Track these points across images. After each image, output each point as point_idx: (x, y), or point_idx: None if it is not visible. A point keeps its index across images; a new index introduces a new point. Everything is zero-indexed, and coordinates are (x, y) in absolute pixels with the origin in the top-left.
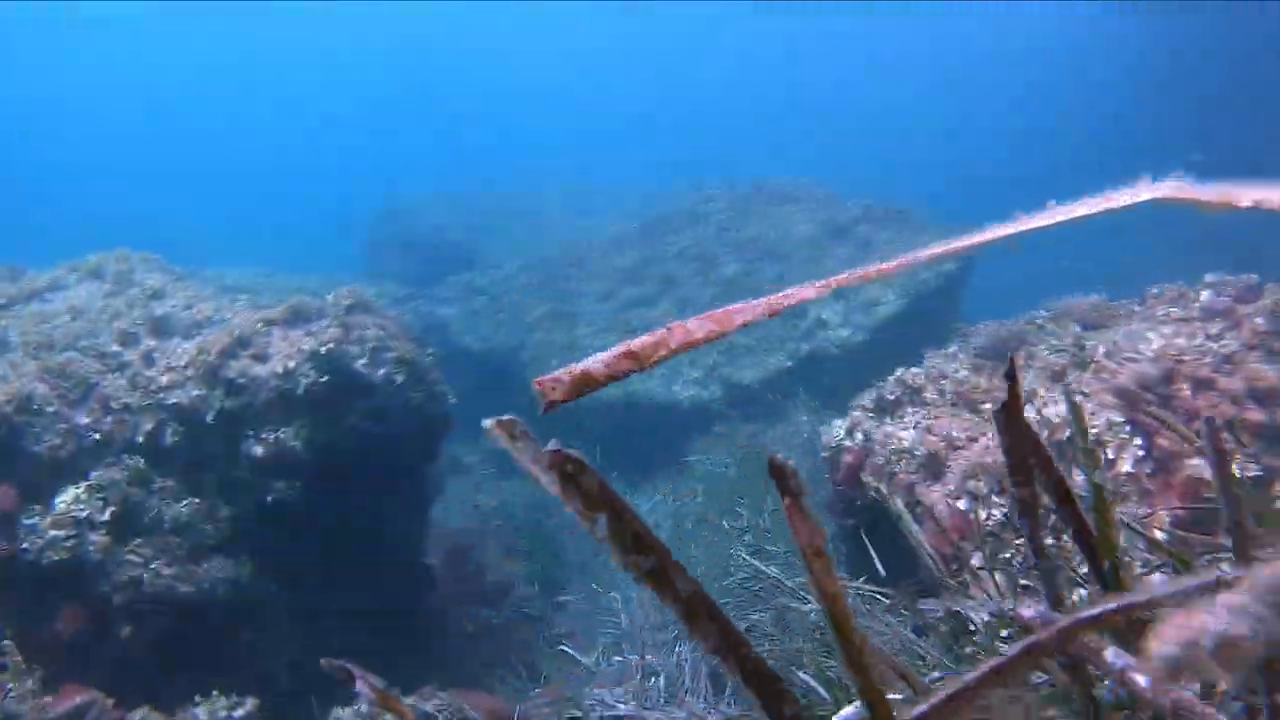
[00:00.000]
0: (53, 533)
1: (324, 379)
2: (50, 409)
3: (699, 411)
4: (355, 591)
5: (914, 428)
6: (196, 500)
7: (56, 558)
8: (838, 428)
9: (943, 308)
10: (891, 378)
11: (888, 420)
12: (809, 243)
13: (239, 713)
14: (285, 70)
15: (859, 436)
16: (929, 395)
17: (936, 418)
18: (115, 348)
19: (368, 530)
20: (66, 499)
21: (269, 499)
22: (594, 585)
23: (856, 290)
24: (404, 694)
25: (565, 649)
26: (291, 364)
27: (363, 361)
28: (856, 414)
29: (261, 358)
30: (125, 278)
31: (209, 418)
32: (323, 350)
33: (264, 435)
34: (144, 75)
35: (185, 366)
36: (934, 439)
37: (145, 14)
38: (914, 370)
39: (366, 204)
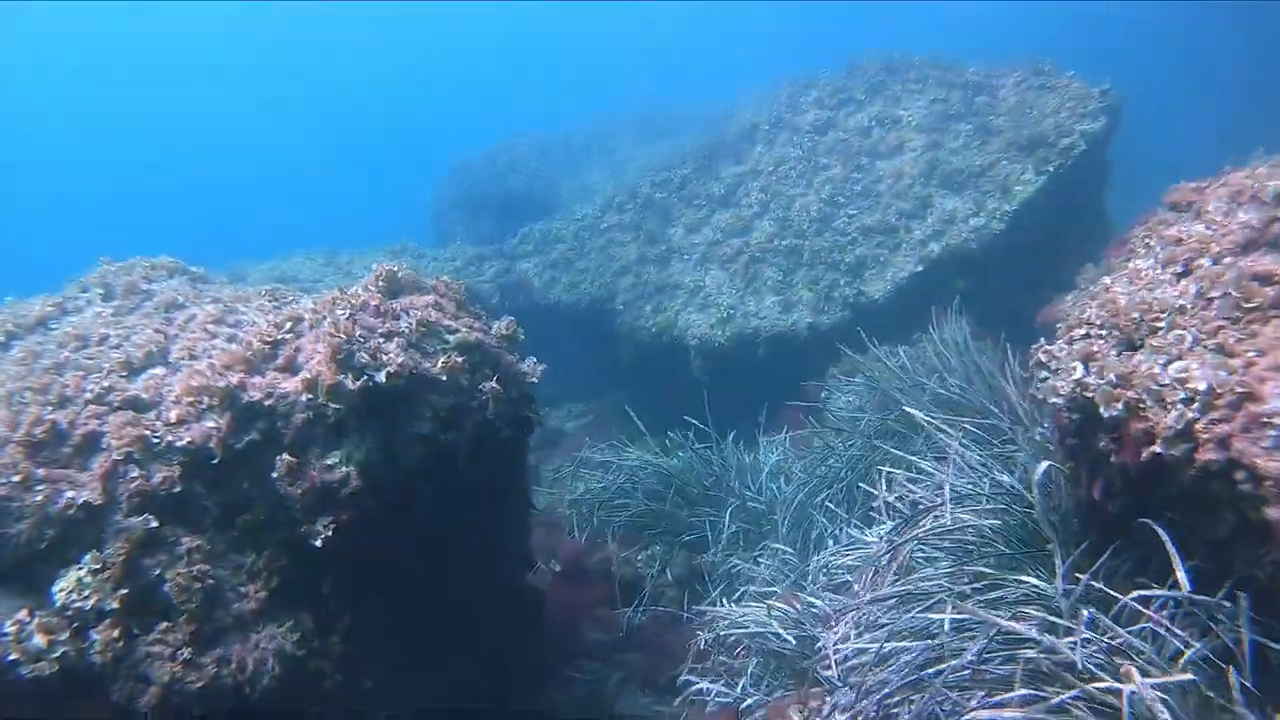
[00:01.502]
0: (43, 638)
1: (362, 383)
2: (33, 476)
3: (822, 340)
4: (448, 636)
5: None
6: (231, 556)
7: (51, 670)
8: (1060, 357)
9: (1090, 182)
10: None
11: (1147, 352)
12: (919, 128)
13: None
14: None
15: (1102, 382)
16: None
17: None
18: (114, 382)
19: (450, 560)
20: (65, 586)
21: (318, 543)
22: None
23: (983, 170)
24: None
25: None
26: (324, 372)
27: (409, 355)
28: (1079, 337)
29: (292, 369)
30: (135, 290)
31: (235, 451)
32: (353, 352)
33: (305, 467)
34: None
35: (198, 394)
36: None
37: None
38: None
39: (426, 173)
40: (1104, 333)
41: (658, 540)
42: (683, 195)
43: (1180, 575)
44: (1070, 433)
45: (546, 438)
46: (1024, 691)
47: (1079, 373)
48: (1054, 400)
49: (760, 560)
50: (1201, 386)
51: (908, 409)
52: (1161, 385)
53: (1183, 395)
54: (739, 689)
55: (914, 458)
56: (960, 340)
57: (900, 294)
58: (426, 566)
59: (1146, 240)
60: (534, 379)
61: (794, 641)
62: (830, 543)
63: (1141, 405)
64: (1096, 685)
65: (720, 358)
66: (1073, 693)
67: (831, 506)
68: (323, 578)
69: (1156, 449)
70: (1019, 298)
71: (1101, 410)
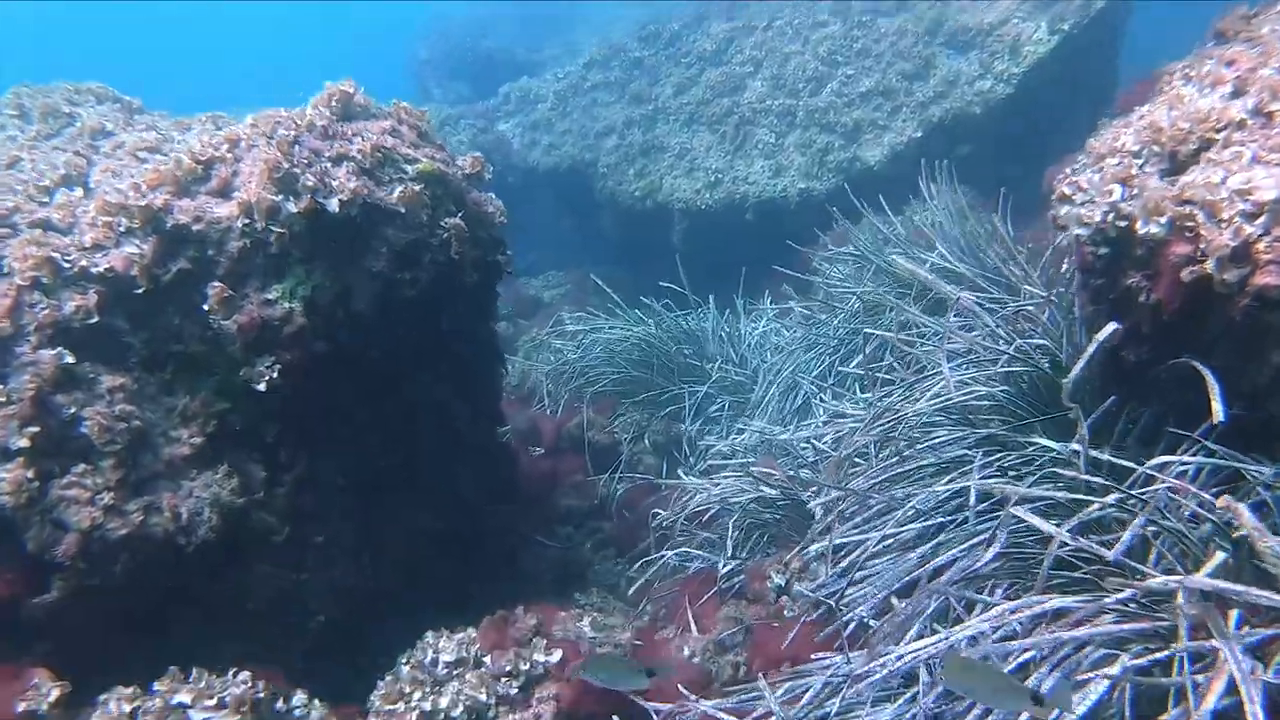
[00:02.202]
0: None
1: (314, 209)
2: None
3: (813, 208)
4: (399, 499)
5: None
6: (163, 399)
7: None
8: (1087, 186)
9: (1105, 47)
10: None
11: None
12: None
13: (236, 690)
14: None
15: (1143, 201)
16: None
17: None
18: (20, 203)
19: (412, 415)
20: None
21: (261, 386)
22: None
23: (993, 27)
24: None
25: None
26: (263, 195)
27: (361, 182)
28: (1112, 164)
29: (226, 192)
30: (55, 113)
31: (161, 282)
32: (296, 174)
33: (243, 301)
34: None
35: (117, 213)
36: None
37: None
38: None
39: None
40: (1142, 159)
41: (636, 409)
42: (671, 53)
43: (1217, 407)
44: (1096, 271)
45: (523, 307)
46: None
47: (1116, 194)
48: (1079, 231)
49: (742, 432)
50: (1270, 196)
51: (902, 261)
52: (1218, 198)
53: (1243, 208)
54: (718, 555)
55: (915, 313)
56: (959, 207)
57: (898, 161)
58: (386, 420)
59: (1187, 72)
60: (502, 219)
61: (777, 502)
62: (820, 414)
63: (1191, 222)
64: (1151, 581)
65: (706, 224)
66: (1128, 593)
67: (818, 385)
68: (267, 425)
69: (1207, 271)
70: (1023, 168)
71: (1141, 229)
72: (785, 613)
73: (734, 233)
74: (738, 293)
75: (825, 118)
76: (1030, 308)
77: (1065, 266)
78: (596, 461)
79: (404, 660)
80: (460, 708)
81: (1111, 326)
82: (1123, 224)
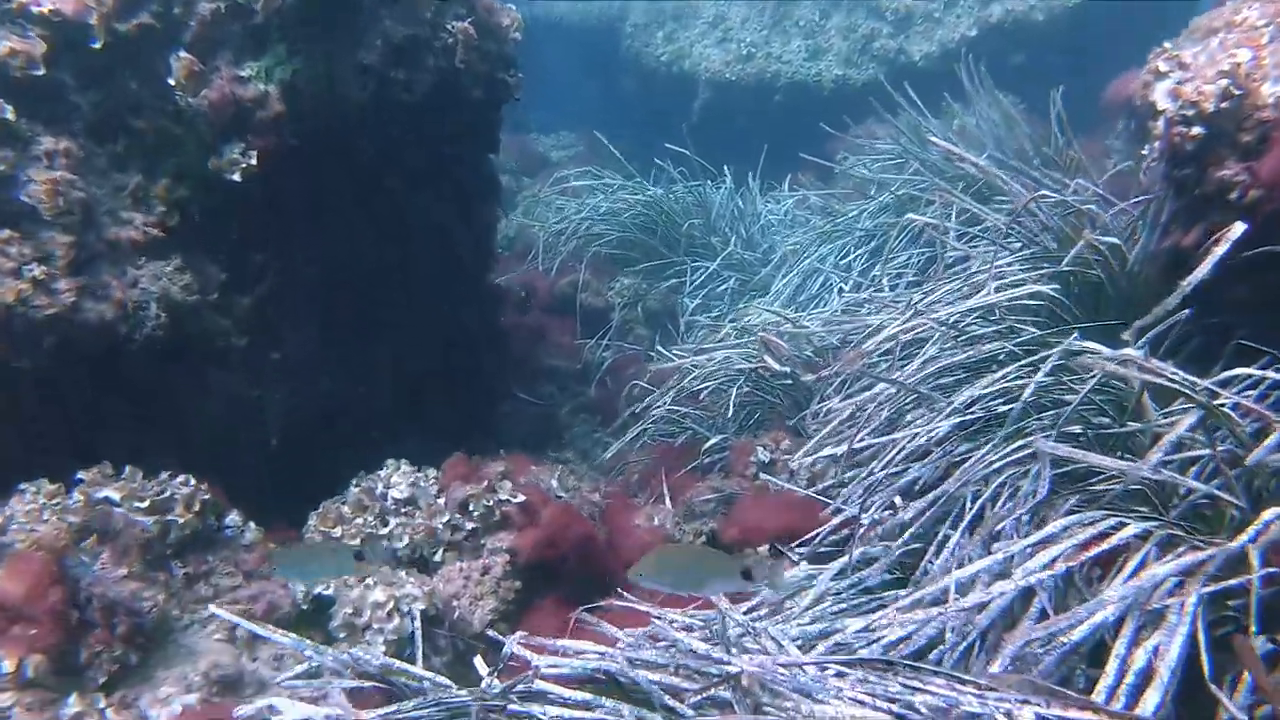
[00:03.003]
0: None
1: None
2: None
3: (847, 98)
4: (386, 326)
5: None
6: (113, 175)
7: None
8: (1190, 61)
9: None
10: None
11: None
12: None
13: (180, 494)
14: None
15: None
16: None
17: None
18: None
19: (397, 235)
20: None
21: (235, 177)
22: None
23: None
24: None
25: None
26: None
27: None
28: (1231, 37)
29: None
30: None
31: (119, 35)
32: None
33: (213, 75)
34: None
35: None
36: None
37: None
38: None
39: None
40: (1269, 35)
41: (633, 277)
42: None
43: None
44: (1184, 159)
45: (528, 163)
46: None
47: (1242, 58)
48: (1171, 108)
49: (746, 312)
50: None
51: (949, 146)
52: None
53: None
54: (703, 430)
55: (964, 199)
56: (1007, 113)
57: (946, 58)
58: (369, 238)
59: None
60: (516, 35)
61: (776, 382)
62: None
63: None
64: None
65: (732, 100)
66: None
67: (840, 274)
68: (232, 222)
69: None
70: (1080, 85)
71: (1271, 90)
72: (770, 489)
73: (760, 114)
74: (756, 174)
75: (876, 1)
76: (1091, 207)
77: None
78: (587, 325)
79: (354, 484)
80: (404, 541)
81: (1240, 226)
82: (1239, 93)
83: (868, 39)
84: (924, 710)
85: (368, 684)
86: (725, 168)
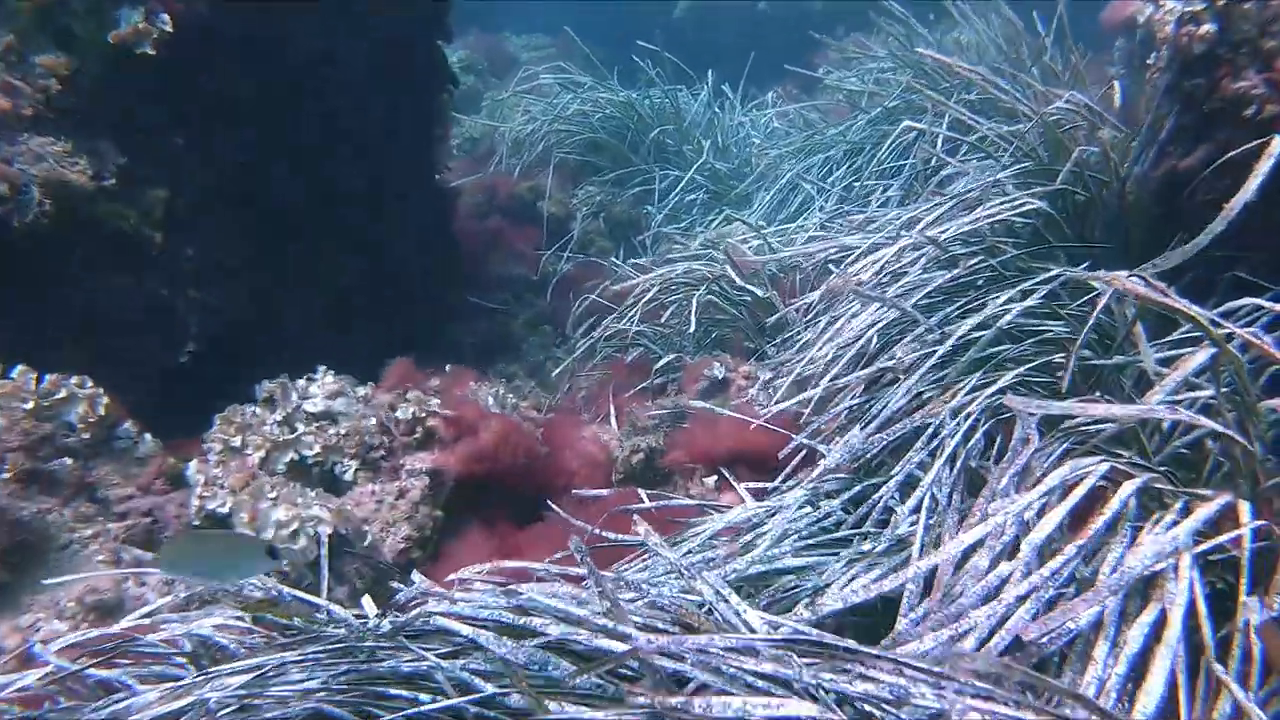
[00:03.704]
0: None
1: None
2: None
3: (837, 9)
4: (317, 228)
5: None
6: None
7: None
8: None
9: None
10: None
11: None
12: None
13: (72, 394)
14: None
15: None
16: None
17: None
18: None
19: (336, 130)
20: None
21: (148, 49)
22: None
23: None
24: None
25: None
26: None
27: None
28: None
29: None
30: None
31: None
32: None
33: None
34: None
35: None
36: None
37: None
38: None
39: None
40: None
41: (599, 187)
42: None
43: None
44: (1192, 67)
45: (497, 63)
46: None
47: None
48: (1179, 5)
49: (720, 223)
50: None
51: (944, 59)
52: None
53: None
54: (657, 349)
55: (958, 109)
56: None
57: None
58: (299, 131)
59: None
60: None
61: (739, 299)
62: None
63: None
64: None
65: (714, 6)
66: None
67: (820, 186)
68: (144, 106)
69: None
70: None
71: None
72: (721, 411)
73: (745, 20)
74: (740, 85)
75: None
76: (1086, 121)
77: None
78: (547, 233)
79: (264, 392)
80: (315, 450)
81: None
82: None
83: None
84: (861, 703)
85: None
86: (707, 74)
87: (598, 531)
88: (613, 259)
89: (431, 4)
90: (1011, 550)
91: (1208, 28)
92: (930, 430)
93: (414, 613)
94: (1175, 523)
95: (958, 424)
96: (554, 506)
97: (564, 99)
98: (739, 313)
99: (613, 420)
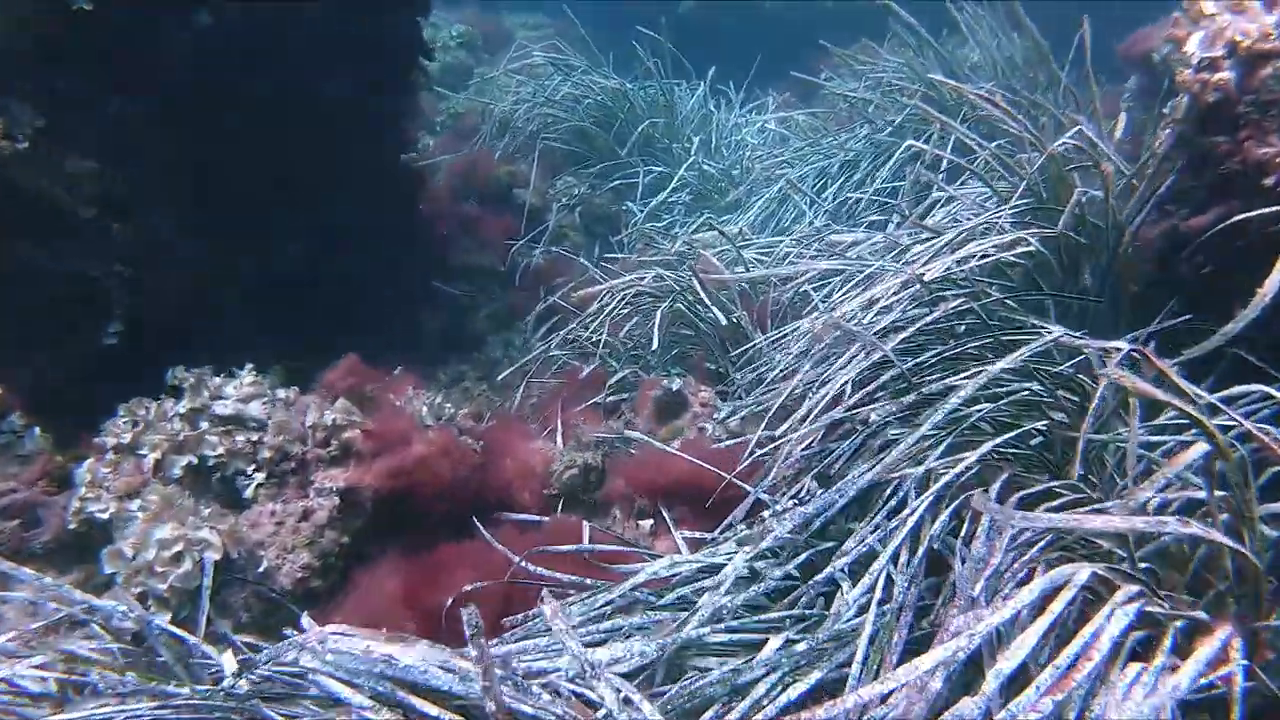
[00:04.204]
0: None
1: None
2: None
3: (844, 13)
4: (266, 210)
5: None
6: None
7: None
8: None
9: None
10: None
11: None
12: None
13: None
14: None
15: None
16: None
17: None
18: None
19: (278, 102)
20: None
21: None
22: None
23: None
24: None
25: None
26: None
27: None
28: None
29: None
30: None
31: None
32: None
33: None
34: None
35: None
36: None
37: None
38: None
39: None
40: None
41: (579, 178)
42: None
43: None
44: (1212, 123)
45: (490, 39)
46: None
47: None
48: (1202, 54)
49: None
50: None
51: (960, 87)
52: None
53: None
54: (615, 363)
55: (961, 130)
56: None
57: None
58: (253, 101)
59: None
60: None
61: (704, 315)
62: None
63: None
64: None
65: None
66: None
67: (806, 195)
68: (70, 70)
69: None
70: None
71: None
72: (665, 448)
73: (749, 19)
74: (743, 86)
75: None
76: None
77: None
78: (521, 223)
79: (173, 375)
80: (215, 456)
81: None
82: None
83: None
84: None
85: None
86: (708, 71)
87: (524, 564)
88: (583, 259)
89: None
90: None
91: (1225, 75)
92: (890, 490)
93: (281, 666)
94: (1172, 668)
95: (922, 500)
96: (481, 529)
97: (554, 81)
98: (706, 328)
99: (559, 436)
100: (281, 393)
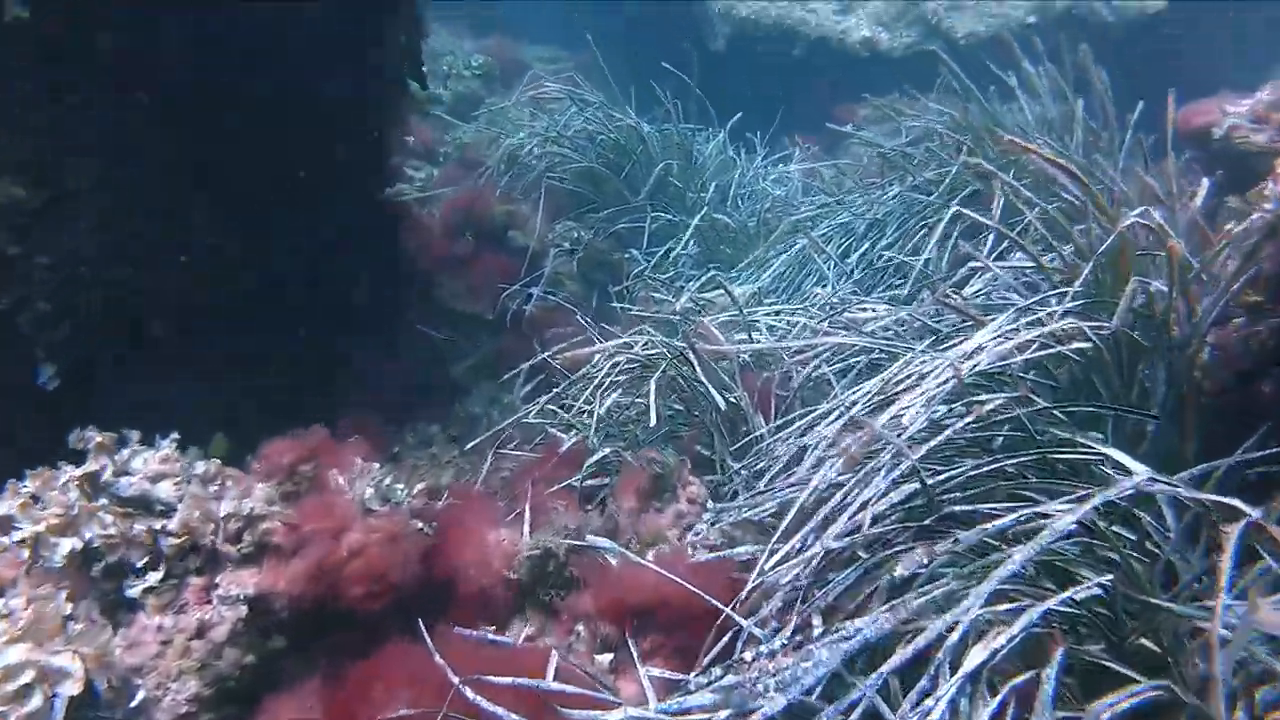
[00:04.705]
0: None
1: None
2: None
3: (872, 62)
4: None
5: None
6: None
7: None
8: None
9: None
10: None
11: None
12: None
13: None
14: None
15: None
16: None
17: None
18: None
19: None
20: None
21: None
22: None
23: None
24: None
25: None
26: None
27: None
28: None
29: None
30: None
31: None
32: None
33: None
34: None
35: None
36: None
37: None
38: None
39: None
40: None
41: (582, 219)
42: None
43: None
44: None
45: (508, 69)
46: None
47: None
48: None
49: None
50: None
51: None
52: None
53: None
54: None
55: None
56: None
57: (992, 44)
58: (210, 121)
59: None
60: None
61: (699, 393)
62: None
63: None
64: None
65: (745, 46)
66: None
67: (827, 259)
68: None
69: None
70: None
71: None
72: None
73: (778, 68)
74: (768, 133)
75: None
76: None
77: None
78: (515, 267)
79: (78, 436)
80: (104, 542)
81: None
82: None
83: (909, 2)
84: None
85: None
86: (733, 116)
87: (468, 694)
88: (579, 312)
89: None
90: None
91: None
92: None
93: None
94: None
95: (950, 685)
96: (426, 638)
97: (564, 117)
98: (703, 404)
99: (526, 525)
100: (200, 467)
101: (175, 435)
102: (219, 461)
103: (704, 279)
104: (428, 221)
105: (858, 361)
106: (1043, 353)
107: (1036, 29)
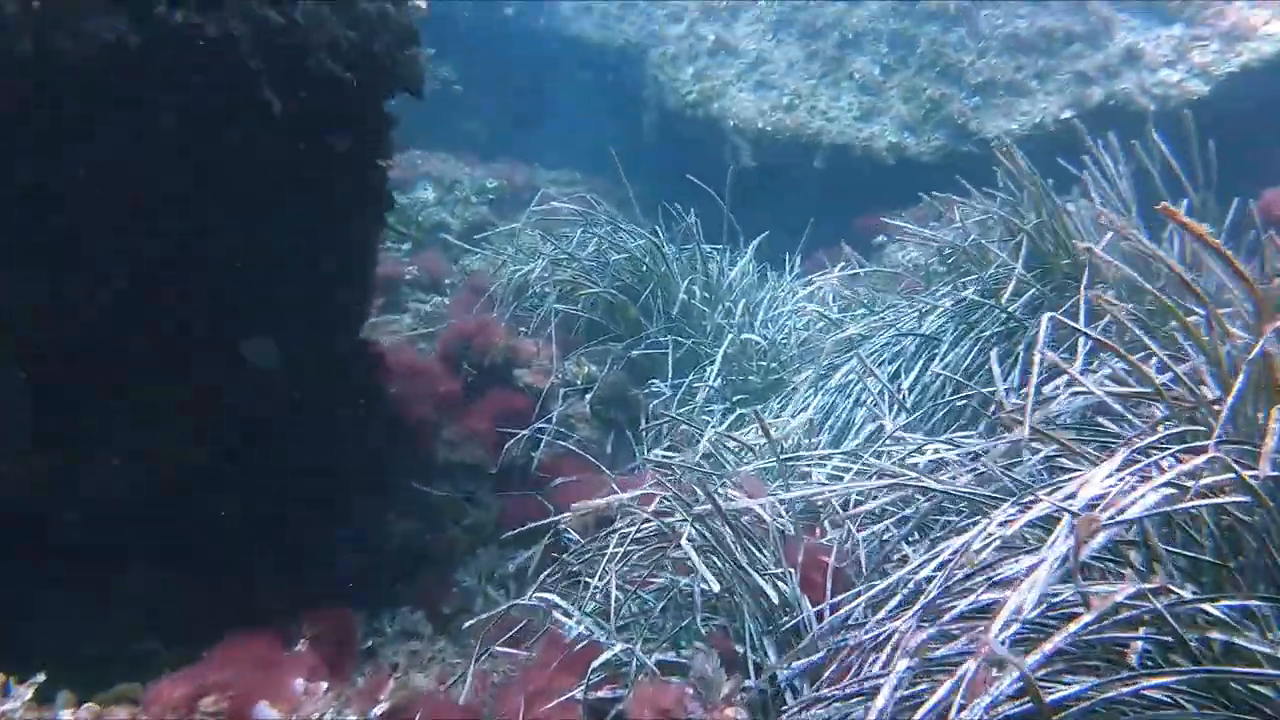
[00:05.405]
0: None
1: None
2: None
3: (898, 173)
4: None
5: None
6: None
7: None
8: None
9: None
10: None
11: None
12: None
13: None
14: None
15: None
16: None
17: None
18: None
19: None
20: None
21: None
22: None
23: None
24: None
25: None
26: None
27: None
28: None
29: None
30: None
31: None
32: None
33: None
34: None
35: None
36: None
37: None
38: None
39: None
40: None
41: (595, 353)
42: None
43: None
44: None
45: (518, 194)
46: None
47: None
48: None
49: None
50: None
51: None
52: None
53: None
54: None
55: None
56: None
57: (1025, 141)
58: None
59: None
60: (421, 2)
61: (739, 568)
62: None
63: None
64: None
65: (763, 157)
66: None
67: (881, 393)
68: None
69: None
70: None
71: None
72: None
73: (798, 179)
74: (797, 250)
75: (955, 59)
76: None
77: None
78: (521, 410)
79: None
80: None
81: None
82: None
83: (939, 104)
84: None
85: None
86: (758, 235)
87: None
88: (595, 459)
89: (356, 109)
90: None
91: None
92: None
93: None
94: None
95: None
96: None
97: (572, 243)
98: (741, 588)
99: None
100: (66, 716)
101: (41, 677)
102: (95, 707)
103: (732, 417)
104: (421, 363)
105: (911, 513)
106: (1202, 503)
107: (1072, 123)
